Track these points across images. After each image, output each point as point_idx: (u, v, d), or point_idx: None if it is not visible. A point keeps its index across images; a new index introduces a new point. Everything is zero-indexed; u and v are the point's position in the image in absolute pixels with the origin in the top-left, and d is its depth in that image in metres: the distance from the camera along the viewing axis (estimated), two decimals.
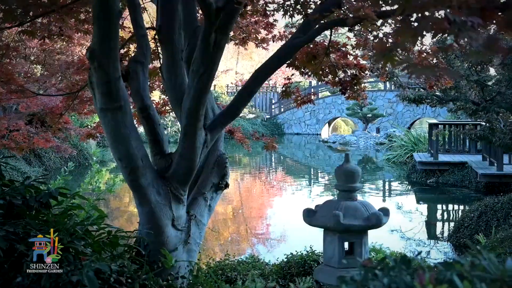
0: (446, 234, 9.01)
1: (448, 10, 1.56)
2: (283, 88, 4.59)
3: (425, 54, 3.07)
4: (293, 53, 3.48)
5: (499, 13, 1.55)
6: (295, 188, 13.78)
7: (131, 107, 3.66)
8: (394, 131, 22.08)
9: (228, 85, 33.69)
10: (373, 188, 13.89)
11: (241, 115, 28.90)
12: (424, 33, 1.60)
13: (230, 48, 31.55)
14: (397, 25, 1.53)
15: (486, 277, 1.16)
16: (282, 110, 29.61)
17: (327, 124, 29.10)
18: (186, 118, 3.23)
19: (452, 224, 9.41)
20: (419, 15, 1.45)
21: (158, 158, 3.49)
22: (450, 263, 1.29)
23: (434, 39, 6.56)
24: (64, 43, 12.96)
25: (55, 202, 3.53)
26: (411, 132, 18.41)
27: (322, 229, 2.92)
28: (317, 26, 3.26)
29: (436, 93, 8.59)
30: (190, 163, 3.35)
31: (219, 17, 2.89)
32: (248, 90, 3.47)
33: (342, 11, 3.47)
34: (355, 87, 4.69)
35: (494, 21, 1.70)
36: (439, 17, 1.46)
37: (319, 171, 17.74)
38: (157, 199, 3.32)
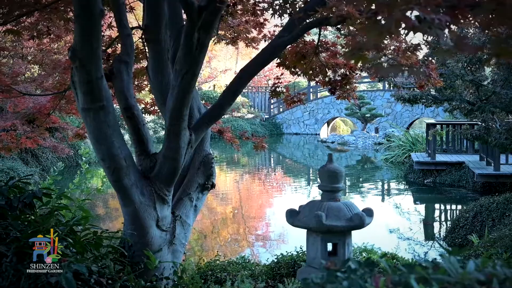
0: (442, 234, 8.98)
1: (421, 9, 1.54)
2: (273, 88, 4.56)
3: (408, 53, 3.04)
4: (278, 52, 3.46)
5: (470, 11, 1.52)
6: (294, 188, 13.75)
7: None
8: (392, 131, 22.04)
9: (227, 85, 33.62)
10: (370, 188, 13.88)
11: (239, 114, 28.90)
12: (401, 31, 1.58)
13: (229, 48, 31.58)
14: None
15: (445, 280, 1.14)
16: (281, 110, 29.57)
17: (326, 124, 29.07)
18: (169, 118, 3.21)
19: (448, 224, 9.39)
20: (387, 13, 1.42)
21: (142, 158, 3.46)
22: (412, 265, 1.26)
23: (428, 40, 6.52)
24: (62, 42, 12.96)
25: (44, 202, 3.53)
26: (409, 132, 18.38)
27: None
28: (301, 25, 3.23)
29: (431, 93, 8.55)
30: (174, 163, 3.33)
31: (202, 16, 2.86)
32: (233, 90, 3.45)
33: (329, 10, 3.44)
34: (345, 86, 4.67)
35: (477, 20, 1.68)
36: (408, 15, 1.44)
37: (317, 171, 17.72)
38: (141, 200, 3.30)
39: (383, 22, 1.42)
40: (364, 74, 8.64)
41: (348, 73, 4.67)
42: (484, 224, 7.74)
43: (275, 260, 4.91)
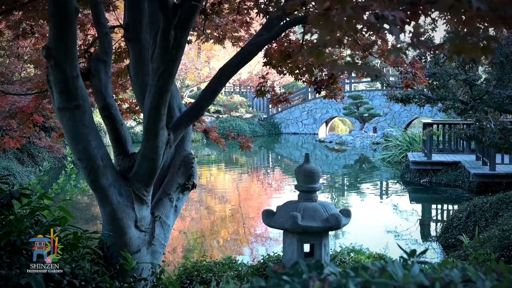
0: (436, 234, 8.94)
1: (378, 6, 1.50)
2: (258, 87, 4.53)
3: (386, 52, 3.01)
4: (257, 51, 3.41)
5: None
6: (292, 188, 13.69)
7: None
8: (391, 130, 21.99)
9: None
10: (367, 188, 13.83)
11: (238, 114, 28.81)
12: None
13: (228, 48, 31.48)
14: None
15: (388, 284, 1.11)
16: (279, 109, 29.52)
17: (324, 123, 29.02)
18: (147, 117, 3.17)
19: (443, 224, 9.34)
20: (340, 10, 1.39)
21: (121, 158, 3.43)
22: (358, 268, 1.23)
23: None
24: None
25: (26, 202, 3.51)
26: (407, 132, 18.34)
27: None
28: (280, 24, 3.20)
29: (424, 93, 8.51)
30: (153, 163, 3.29)
31: (177, 14, 2.83)
32: (212, 89, 3.41)
33: (309, 8, 3.40)
34: (332, 86, 4.63)
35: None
36: (362, 12, 1.40)
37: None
38: (118, 200, 3.26)
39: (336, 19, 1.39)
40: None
41: (334, 72, 4.63)
42: (477, 224, 7.69)
43: (261, 261, 4.87)
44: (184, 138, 3.74)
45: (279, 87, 32.53)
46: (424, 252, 1.61)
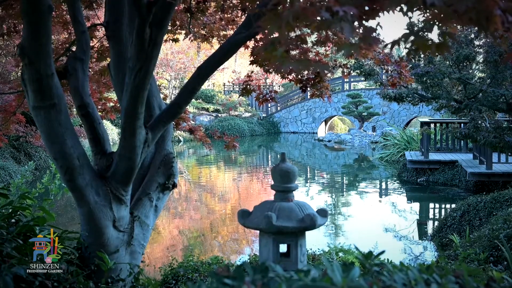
0: (433, 233, 8.88)
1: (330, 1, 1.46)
2: (243, 86, 4.49)
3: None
4: (236, 48, 3.37)
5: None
6: None
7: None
8: (390, 129, 21.94)
9: (225, 83, 33.58)
10: (364, 187, 13.78)
11: (236, 113, 28.68)
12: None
13: None
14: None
15: None
16: (278, 108, 29.47)
17: (323, 122, 28.96)
18: (124, 116, 3.13)
19: (438, 223, 9.29)
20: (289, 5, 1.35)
21: (99, 157, 3.39)
22: (303, 271, 1.19)
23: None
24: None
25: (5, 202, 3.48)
26: (405, 131, 18.28)
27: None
28: (258, 21, 3.15)
29: (418, 91, 8.45)
30: (130, 162, 3.25)
31: (152, 11, 2.79)
32: (190, 88, 3.37)
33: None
34: (318, 84, 4.59)
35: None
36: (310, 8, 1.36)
37: (315, 170, 17.62)
38: (96, 200, 3.22)
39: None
40: (353, 73, 8.54)
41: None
42: (471, 223, 7.64)
43: (248, 261, 4.84)
44: (164, 137, 3.71)
45: (278, 85, 32.46)
46: (380, 253, 1.57)
